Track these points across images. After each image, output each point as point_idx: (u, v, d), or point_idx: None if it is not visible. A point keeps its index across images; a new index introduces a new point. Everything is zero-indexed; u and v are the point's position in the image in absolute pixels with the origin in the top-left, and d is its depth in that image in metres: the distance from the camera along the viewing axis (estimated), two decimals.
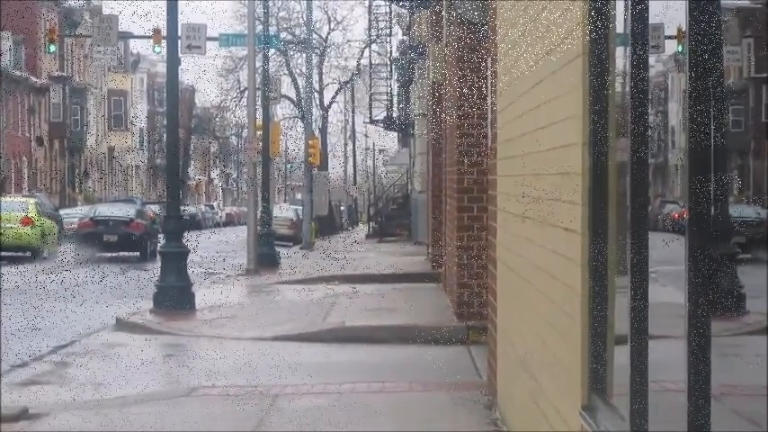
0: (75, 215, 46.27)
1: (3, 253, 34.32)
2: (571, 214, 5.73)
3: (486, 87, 10.85)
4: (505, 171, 8.79)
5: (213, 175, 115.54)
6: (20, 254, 35.75)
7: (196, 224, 68.63)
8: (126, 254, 37.87)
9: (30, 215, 36.88)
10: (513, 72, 8.14)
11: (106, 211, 41.19)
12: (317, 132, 59.81)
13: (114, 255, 37.48)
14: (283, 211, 55.12)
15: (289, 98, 70.35)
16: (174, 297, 18.43)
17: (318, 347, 14.55)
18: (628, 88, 4.67)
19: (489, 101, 10.04)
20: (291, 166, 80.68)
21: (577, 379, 5.51)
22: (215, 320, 17.49)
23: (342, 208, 72.00)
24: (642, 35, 4.54)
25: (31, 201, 39.83)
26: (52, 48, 51.53)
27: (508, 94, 8.53)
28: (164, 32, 24.63)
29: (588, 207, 5.40)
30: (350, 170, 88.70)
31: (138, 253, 37.52)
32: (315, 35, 65.17)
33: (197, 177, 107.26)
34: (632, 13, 4.64)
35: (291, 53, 68.70)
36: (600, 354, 5.31)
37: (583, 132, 5.45)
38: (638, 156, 4.57)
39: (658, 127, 4.85)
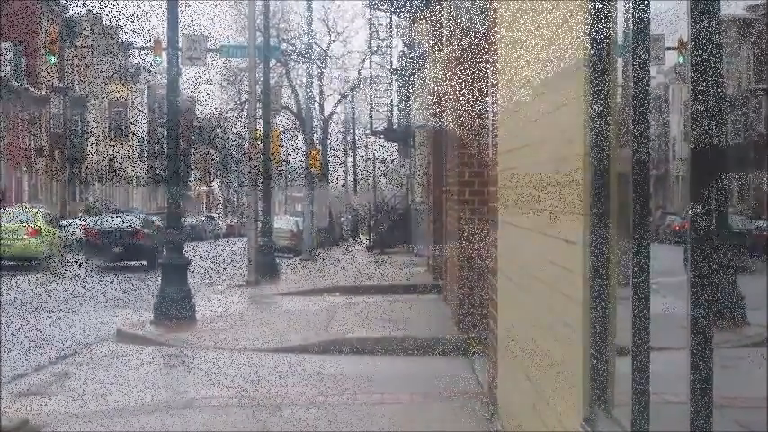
0: (78, 226, 46.37)
1: (9, 262, 34.48)
2: (571, 225, 5.74)
3: (487, 96, 10.87)
4: (506, 182, 8.80)
5: (214, 185, 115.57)
6: (26, 264, 35.84)
7: (197, 235, 68.67)
8: (133, 263, 38.00)
9: (37, 226, 37.08)
10: (513, 82, 8.15)
11: (112, 221, 41.35)
12: (317, 144, 59.80)
13: (121, 264, 37.61)
14: (284, 223, 55.11)
15: (289, 109, 70.42)
16: (175, 308, 18.43)
17: (319, 358, 14.54)
18: (628, 99, 4.68)
19: (490, 111, 10.06)
20: (290, 165, 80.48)
21: (579, 390, 5.51)
22: (215, 331, 17.47)
23: (342, 219, 71.94)
24: (643, 46, 4.55)
25: (38, 211, 40.03)
26: (52, 59, 51.53)
27: (509, 104, 8.54)
28: (164, 44, 24.70)
29: (588, 218, 5.40)
30: (350, 181, 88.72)
31: (146, 262, 37.64)
32: (315, 46, 65.23)
33: (198, 188, 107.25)
34: (633, 24, 4.65)
35: (292, 64, 68.78)
36: (601, 365, 5.31)
37: (584, 143, 5.46)
38: (639, 167, 4.58)
39: (659, 138, 4.86)
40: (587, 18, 5.39)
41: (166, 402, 11.76)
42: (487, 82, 10.74)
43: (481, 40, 13.42)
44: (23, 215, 38.31)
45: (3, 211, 38.70)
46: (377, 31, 53.50)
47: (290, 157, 75.48)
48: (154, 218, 45.20)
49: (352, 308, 20.63)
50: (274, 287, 27.22)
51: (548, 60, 6.57)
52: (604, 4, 5.27)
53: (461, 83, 14.70)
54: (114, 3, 72.59)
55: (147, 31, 70.88)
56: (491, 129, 9.99)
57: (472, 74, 14.18)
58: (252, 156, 30.78)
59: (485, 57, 11.90)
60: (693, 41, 3.75)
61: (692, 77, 3.73)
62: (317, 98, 70.59)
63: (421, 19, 27.84)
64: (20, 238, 36.04)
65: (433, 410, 11.09)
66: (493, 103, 9.72)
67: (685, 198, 3.85)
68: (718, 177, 3.70)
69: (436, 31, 20.48)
